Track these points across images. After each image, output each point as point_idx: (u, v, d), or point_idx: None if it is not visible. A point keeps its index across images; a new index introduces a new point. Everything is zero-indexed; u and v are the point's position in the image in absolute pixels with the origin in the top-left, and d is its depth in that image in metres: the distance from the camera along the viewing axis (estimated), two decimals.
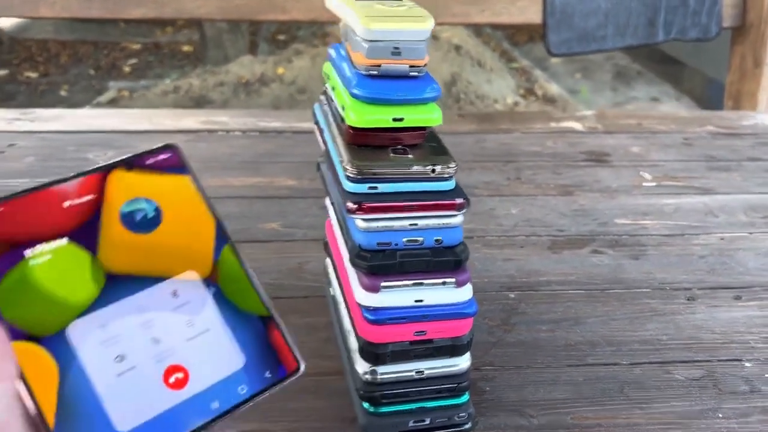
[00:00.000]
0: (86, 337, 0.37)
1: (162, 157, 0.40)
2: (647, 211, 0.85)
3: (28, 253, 0.37)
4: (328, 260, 0.62)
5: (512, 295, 0.67)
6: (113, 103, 3.41)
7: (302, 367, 0.41)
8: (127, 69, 4.29)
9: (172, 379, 0.38)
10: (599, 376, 0.57)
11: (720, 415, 0.53)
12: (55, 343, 0.36)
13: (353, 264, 0.47)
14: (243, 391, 0.39)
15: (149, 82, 3.80)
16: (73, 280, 0.37)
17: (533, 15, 1.53)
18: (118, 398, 0.36)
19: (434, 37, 3.84)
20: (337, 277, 0.57)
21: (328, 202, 0.59)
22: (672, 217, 0.84)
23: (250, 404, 0.39)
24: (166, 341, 0.39)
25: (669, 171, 0.96)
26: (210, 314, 0.40)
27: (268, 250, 0.73)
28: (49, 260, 0.37)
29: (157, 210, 0.40)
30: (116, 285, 0.38)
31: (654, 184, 0.92)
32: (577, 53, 1.61)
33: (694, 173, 0.96)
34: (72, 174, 0.38)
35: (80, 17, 1.57)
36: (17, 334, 0.35)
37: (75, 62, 4.41)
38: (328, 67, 0.55)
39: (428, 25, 0.45)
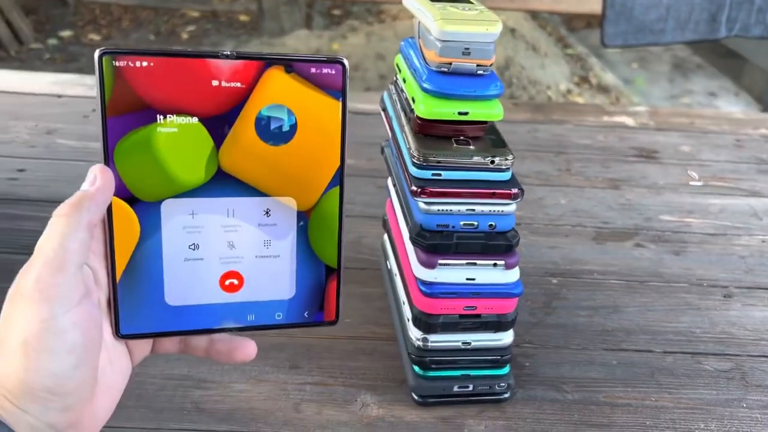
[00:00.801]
0: (174, 217, 0.39)
1: (326, 70, 0.38)
2: (692, 209, 0.88)
3: (159, 118, 0.37)
4: (386, 236, 0.67)
5: (555, 281, 0.72)
6: None
7: (338, 321, 0.43)
8: (185, 36, 4.39)
9: (227, 282, 0.41)
10: (633, 361, 0.61)
11: (744, 405, 0.57)
12: (147, 212, 0.38)
13: (413, 242, 0.52)
14: (279, 317, 0.42)
15: (207, 50, 3.89)
16: (188, 161, 0.38)
17: (594, 5, 1.53)
18: (178, 278, 0.40)
19: None
20: (395, 253, 0.62)
21: (390, 183, 0.65)
22: (717, 216, 0.86)
23: (279, 329, 0.42)
24: (239, 250, 0.41)
25: (717, 171, 0.98)
26: (287, 243, 0.41)
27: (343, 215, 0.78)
28: (175, 134, 0.37)
29: (293, 126, 0.39)
30: (222, 182, 0.39)
31: (701, 183, 0.95)
32: (632, 45, 1.61)
33: (742, 175, 0.98)
34: (233, 52, 0.37)
35: None
36: (120, 190, 0.37)
37: (136, 27, 4.52)
38: (399, 60, 0.59)
39: (497, 28, 0.50)
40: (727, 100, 3.91)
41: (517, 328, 0.57)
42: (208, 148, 0.38)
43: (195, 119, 0.38)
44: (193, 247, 0.40)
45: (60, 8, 4.66)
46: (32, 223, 0.74)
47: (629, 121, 1.14)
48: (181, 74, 0.37)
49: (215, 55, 0.37)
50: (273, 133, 0.39)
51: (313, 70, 0.38)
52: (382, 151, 0.65)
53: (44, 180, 0.83)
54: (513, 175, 0.52)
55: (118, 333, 0.38)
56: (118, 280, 0.38)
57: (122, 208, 0.37)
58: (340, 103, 0.39)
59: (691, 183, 0.95)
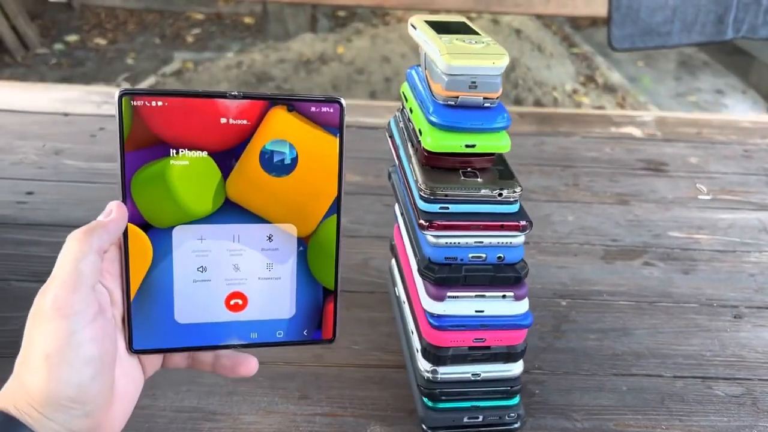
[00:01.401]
0: (184, 242, 0.43)
1: (325, 109, 0.42)
2: (701, 225, 0.87)
3: (172, 153, 0.41)
4: (393, 261, 0.67)
5: (564, 303, 0.71)
6: (178, 74, 3.51)
7: (335, 339, 0.47)
8: (190, 39, 4.40)
9: (232, 302, 0.45)
10: (642, 387, 0.61)
11: None
12: (160, 237, 0.42)
13: (422, 275, 0.52)
14: (280, 335, 0.46)
15: (212, 54, 3.90)
16: (198, 192, 0.42)
17: (599, 7, 1.53)
18: (187, 298, 0.43)
19: (494, 21, 3.82)
20: (403, 280, 0.62)
21: (397, 209, 0.64)
22: (726, 232, 0.86)
23: (280, 347, 0.46)
24: (243, 272, 0.44)
25: (726, 184, 0.98)
26: (288, 267, 0.45)
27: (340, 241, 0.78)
28: (187, 166, 0.41)
29: (294, 159, 0.43)
30: (228, 210, 0.43)
31: (710, 197, 0.94)
32: (639, 48, 1.60)
33: (751, 188, 0.97)
34: (239, 92, 0.41)
35: None
36: (135, 217, 0.41)
37: (141, 30, 4.53)
38: (405, 89, 0.59)
39: (503, 62, 0.49)
40: (734, 98, 3.89)
41: (527, 353, 0.56)
42: (216, 180, 0.42)
43: (205, 153, 0.41)
44: (201, 269, 0.44)
45: (65, 13, 4.68)
46: (41, 249, 0.74)
47: (636, 132, 1.13)
48: (192, 112, 0.41)
49: (224, 95, 0.41)
50: (276, 165, 0.42)
51: (312, 108, 0.42)
52: (389, 177, 0.65)
53: (53, 203, 0.84)
54: (521, 206, 0.52)
55: (131, 348, 0.42)
56: (132, 300, 0.42)
57: (137, 234, 0.41)
58: (338, 139, 0.42)
59: (700, 197, 0.94)
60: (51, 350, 0.34)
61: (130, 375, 0.40)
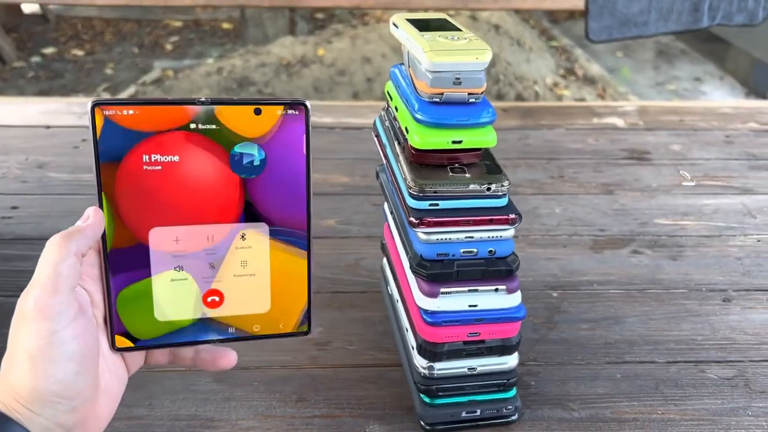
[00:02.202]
0: (161, 243, 0.44)
1: (291, 112, 0.43)
2: (687, 211, 0.88)
3: (145, 158, 0.42)
4: (385, 260, 0.68)
5: (555, 294, 0.72)
6: (158, 82, 3.49)
7: (310, 332, 0.48)
8: (169, 47, 4.37)
9: (209, 299, 0.46)
10: (637, 374, 0.62)
11: (749, 414, 0.58)
12: (138, 238, 0.44)
13: (414, 272, 0.52)
14: (257, 329, 0.47)
15: (192, 61, 3.88)
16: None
17: (576, 0, 1.54)
18: (165, 296, 0.45)
19: (473, 18, 3.83)
20: (395, 278, 0.62)
21: (386, 208, 0.65)
22: (711, 218, 0.87)
23: (258, 340, 0.47)
24: (219, 269, 0.46)
25: (709, 170, 0.99)
26: (262, 264, 0.46)
27: (325, 246, 0.79)
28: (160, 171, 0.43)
29: (263, 161, 0.44)
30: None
31: (693, 183, 0.95)
32: (617, 39, 1.62)
33: (733, 173, 0.98)
34: (206, 99, 0.43)
35: (135, 4, 1.64)
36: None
37: (119, 40, 4.50)
38: (390, 87, 0.59)
39: (487, 57, 0.50)
40: (712, 84, 3.93)
41: (521, 345, 0.57)
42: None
43: (176, 158, 0.43)
44: (178, 269, 0.45)
45: (41, 25, 4.63)
46: (29, 264, 0.73)
47: (619, 122, 1.14)
48: (160, 118, 0.42)
49: (191, 102, 0.42)
50: (245, 166, 0.44)
51: (279, 111, 0.43)
52: (378, 176, 0.65)
53: (38, 216, 0.83)
54: (509, 199, 0.52)
55: (114, 346, 0.44)
56: (113, 300, 0.44)
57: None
58: (304, 138, 0.44)
59: (684, 183, 0.95)
60: (34, 349, 0.36)
61: (113, 371, 0.42)
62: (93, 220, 0.41)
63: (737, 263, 0.78)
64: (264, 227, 0.46)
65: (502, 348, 0.54)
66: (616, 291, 0.73)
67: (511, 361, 0.55)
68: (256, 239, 0.46)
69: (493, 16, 3.90)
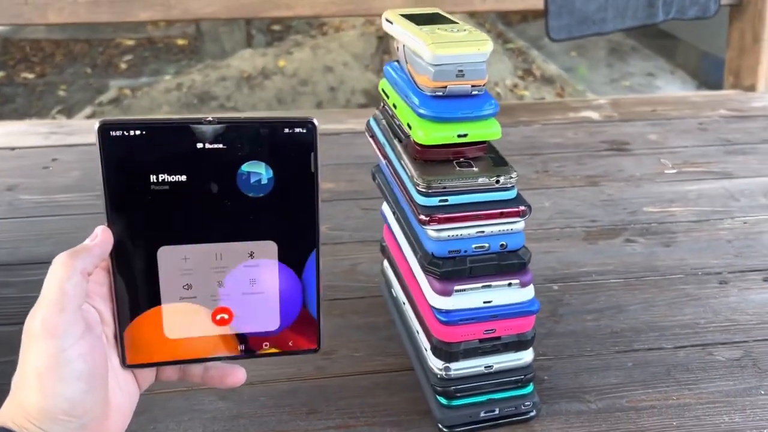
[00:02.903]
0: (169, 261, 0.44)
1: (298, 130, 0.43)
2: (673, 198, 0.89)
3: (152, 178, 0.42)
4: (386, 263, 0.66)
5: (556, 287, 0.71)
6: (116, 102, 3.42)
7: (320, 348, 0.47)
8: (123, 66, 4.28)
9: (218, 317, 0.46)
10: (647, 361, 0.61)
11: (762, 393, 0.58)
12: (146, 257, 0.44)
13: (426, 271, 0.51)
14: (266, 346, 0.47)
15: (149, 78, 3.81)
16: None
17: (535, 1, 1.55)
18: (174, 314, 0.45)
19: None
20: (400, 280, 0.61)
21: (386, 208, 0.63)
22: (697, 203, 0.88)
23: (267, 357, 0.47)
24: (227, 288, 0.46)
25: (688, 157, 1.00)
26: (271, 281, 0.46)
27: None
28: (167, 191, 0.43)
29: (271, 179, 0.44)
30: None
31: (675, 171, 0.96)
32: (576, 37, 1.65)
33: (711, 158, 1.00)
34: (213, 119, 0.43)
35: (88, 22, 1.60)
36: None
37: (70, 61, 4.39)
38: (385, 85, 0.58)
39: (488, 48, 0.49)
40: (664, 78, 4.03)
41: None
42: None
43: (184, 177, 0.43)
44: (186, 287, 0.45)
45: None
46: (9, 290, 0.70)
47: (594, 115, 1.15)
48: (167, 145, 0.42)
49: (198, 122, 0.42)
50: (253, 185, 0.44)
51: (287, 130, 0.43)
52: (374, 177, 0.63)
53: (13, 241, 0.79)
54: (518, 192, 0.51)
55: (125, 363, 0.44)
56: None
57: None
58: (312, 156, 0.43)
59: (666, 171, 0.96)
60: (43, 368, 0.36)
61: (124, 388, 0.42)
62: (101, 238, 0.40)
63: (728, 246, 0.79)
64: (272, 245, 0.45)
65: (518, 343, 0.53)
66: (615, 280, 0.73)
67: (526, 356, 0.54)
68: (264, 257, 0.46)
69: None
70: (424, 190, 0.49)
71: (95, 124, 0.40)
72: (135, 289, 0.44)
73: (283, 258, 0.46)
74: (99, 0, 1.48)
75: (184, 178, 0.43)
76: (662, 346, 0.63)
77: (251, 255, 0.46)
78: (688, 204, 0.88)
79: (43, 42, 4.64)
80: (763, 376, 0.60)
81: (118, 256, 0.43)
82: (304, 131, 0.43)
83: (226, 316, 0.47)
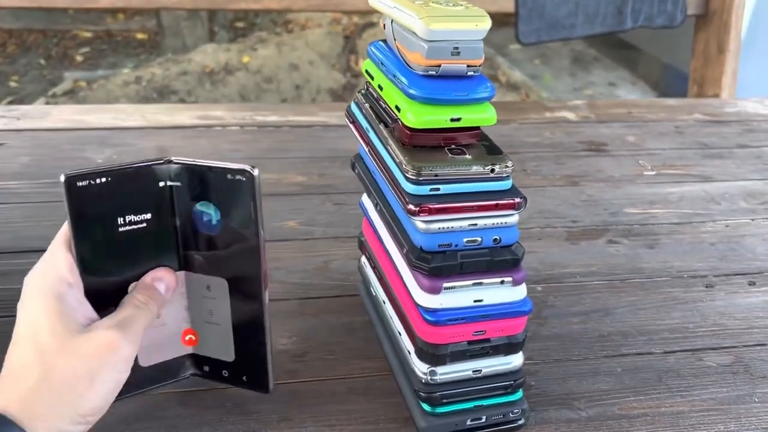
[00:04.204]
0: None
1: (238, 177, 0.44)
2: (653, 199, 0.87)
3: (119, 221, 0.45)
4: (363, 259, 0.62)
5: (539, 288, 0.68)
6: (71, 94, 3.29)
7: (270, 391, 0.50)
8: (79, 58, 4.14)
9: (187, 338, 0.51)
10: (637, 366, 0.58)
11: (756, 400, 0.55)
12: (119, 294, 0.46)
13: (414, 267, 0.46)
14: (225, 374, 0.51)
15: (106, 71, 3.68)
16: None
17: (506, 3, 1.53)
18: (148, 344, 0.48)
19: None
20: (380, 277, 0.56)
21: (366, 200, 0.59)
22: (678, 205, 0.86)
23: (228, 385, 0.51)
24: (192, 312, 0.50)
25: (666, 159, 0.98)
26: (225, 315, 0.49)
27: (291, 249, 0.72)
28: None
29: (219, 221, 0.46)
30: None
31: (654, 173, 0.94)
32: (545, 41, 1.64)
33: (689, 161, 0.98)
34: (170, 158, 0.46)
35: (46, 6, 1.51)
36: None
37: (23, 52, 4.23)
38: (369, 65, 0.54)
39: (487, 24, 0.45)
40: (625, 89, 4.10)
41: None
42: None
43: (149, 215, 0.46)
44: (156, 316, 0.47)
45: None
46: None
47: (570, 115, 1.13)
48: (131, 186, 0.45)
49: (159, 163, 0.45)
50: (205, 224, 0.47)
51: (228, 176, 0.45)
52: (354, 167, 0.59)
53: None
54: (513, 182, 0.48)
55: None
56: None
57: None
58: (252, 204, 0.45)
59: (645, 173, 0.94)
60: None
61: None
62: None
63: (712, 249, 0.77)
64: (224, 282, 0.48)
65: (509, 346, 0.49)
66: (599, 282, 0.70)
67: (516, 360, 0.50)
68: (218, 292, 0.48)
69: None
70: (413, 177, 0.45)
71: (61, 176, 0.41)
72: None
73: (234, 296, 0.48)
74: None
75: (149, 216, 0.46)
76: (651, 351, 0.60)
77: (208, 288, 0.49)
78: (669, 206, 0.86)
79: None
80: (756, 382, 0.57)
81: (90, 296, 0.44)
82: (243, 179, 0.44)
83: (193, 337, 0.51)
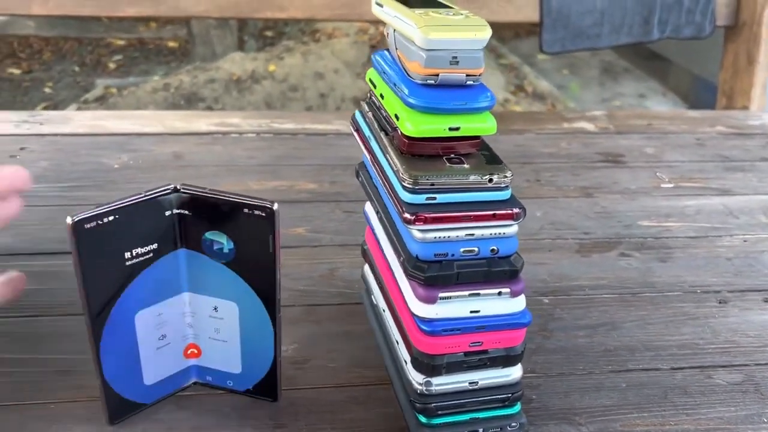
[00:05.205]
0: (146, 322, 0.49)
1: (257, 212, 0.45)
2: (669, 212, 0.85)
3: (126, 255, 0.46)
4: (366, 267, 0.62)
5: (546, 301, 0.67)
6: (101, 100, 3.36)
7: (278, 399, 0.52)
8: (112, 65, 4.23)
9: (189, 351, 0.52)
10: (642, 382, 0.57)
11: (765, 420, 0.54)
12: (126, 321, 0.47)
13: (410, 276, 0.46)
14: (230, 383, 0.52)
15: (137, 78, 3.76)
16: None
17: (530, 13, 1.53)
18: (152, 363, 0.50)
19: None
20: (380, 286, 0.56)
21: (368, 208, 0.59)
22: (694, 219, 0.84)
23: (232, 393, 0.53)
24: (196, 329, 0.51)
25: (685, 172, 0.97)
26: (233, 333, 0.50)
27: (297, 256, 0.72)
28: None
29: (232, 250, 0.47)
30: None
31: (672, 185, 0.93)
32: (570, 51, 1.62)
33: (709, 174, 0.96)
34: (177, 187, 0.46)
35: (73, 15, 1.55)
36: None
37: (58, 59, 4.34)
38: (372, 74, 0.54)
39: (486, 34, 0.45)
40: (655, 100, 4.04)
41: None
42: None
43: (155, 245, 0.47)
44: (162, 337, 0.50)
45: None
46: None
47: (589, 126, 1.12)
48: (140, 217, 0.45)
49: (167, 194, 0.46)
50: (216, 252, 0.48)
51: (246, 210, 0.45)
52: (358, 175, 0.59)
53: None
54: (512, 193, 0.47)
55: (111, 422, 0.49)
56: (105, 376, 0.48)
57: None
58: (271, 238, 0.46)
59: (662, 186, 0.93)
60: None
61: None
62: None
63: (728, 264, 0.75)
64: (233, 306, 0.49)
65: (507, 358, 0.48)
66: (609, 295, 0.69)
67: (515, 372, 0.49)
68: (227, 313, 0.49)
69: None
70: (410, 186, 0.45)
71: (68, 219, 0.42)
72: (117, 351, 0.47)
73: (244, 317, 0.49)
74: None
75: (155, 246, 0.46)
76: (659, 367, 0.59)
77: (215, 309, 0.50)
78: (685, 219, 0.84)
79: (32, 38, 4.58)
80: (766, 402, 0.56)
81: (97, 327, 0.45)
82: (263, 215, 0.45)
83: (195, 351, 0.52)
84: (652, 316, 0.66)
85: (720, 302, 0.68)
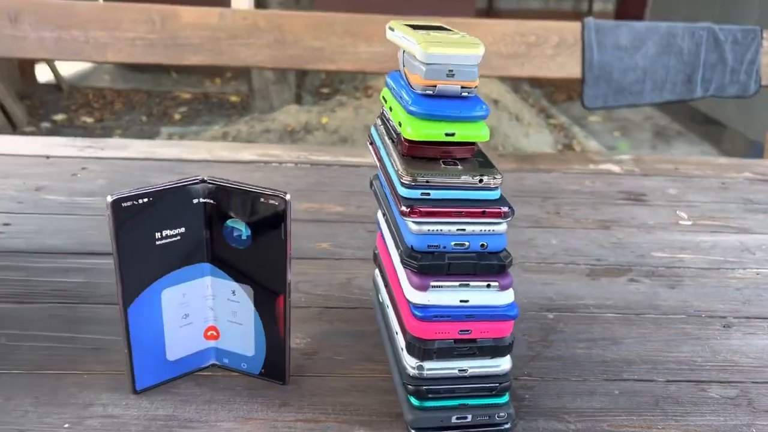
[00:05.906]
0: (172, 301, 0.55)
1: (272, 201, 0.51)
2: (684, 246, 0.87)
3: (157, 235, 0.52)
4: (376, 270, 0.66)
5: (551, 316, 0.70)
6: None
7: (287, 383, 0.57)
8: (177, 116, 4.48)
9: (209, 333, 0.57)
10: (635, 390, 0.59)
11: (754, 430, 0.55)
12: (153, 300, 0.53)
13: (404, 264, 0.51)
14: (244, 366, 0.58)
15: (199, 128, 3.97)
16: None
17: (572, 70, 1.58)
18: (175, 340, 0.55)
19: None
20: (386, 283, 0.61)
21: (380, 215, 0.64)
22: (709, 252, 0.86)
23: (245, 375, 0.58)
24: (216, 311, 0.57)
25: (706, 211, 0.99)
26: (248, 317, 0.56)
27: (319, 266, 0.77)
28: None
29: (249, 237, 0.53)
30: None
31: (690, 222, 0.95)
32: (612, 107, 1.66)
33: (731, 214, 0.98)
34: (205, 178, 0.52)
35: (143, 62, 1.69)
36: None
37: (129, 109, 4.62)
38: (385, 92, 0.60)
39: (479, 50, 0.51)
40: None
41: (515, 361, 0.55)
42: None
43: (183, 229, 0.53)
44: (185, 317, 0.56)
45: (54, 94, 4.76)
46: (19, 273, 0.72)
47: (615, 168, 1.15)
48: (172, 206, 0.52)
49: (194, 183, 0.52)
50: (234, 238, 0.53)
51: (262, 199, 0.51)
52: (371, 185, 0.65)
53: (30, 233, 0.82)
54: (502, 194, 0.52)
55: (135, 390, 0.55)
56: (132, 349, 0.54)
57: None
58: (282, 227, 0.51)
59: (681, 222, 0.95)
60: None
61: None
62: None
63: (737, 293, 0.76)
64: (249, 289, 0.55)
65: (494, 348, 0.52)
66: (613, 315, 0.71)
67: (503, 363, 0.53)
68: (243, 297, 0.55)
69: (492, 92, 4.01)
70: (407, 182, 0.50)
71: (107, 197, 0.48)
72: (144, 327, 0.53)
73: (258, 301, 0.55)
74: (155, 43, 1.58)
75: (183, 229, 0.52)
76: (653, 379, 0.61)
77: (233, 293, 0.55)
78: (699, 252, 0.86)
79: (106, 90, 4.90)
80: (757, 415, 0.57)
81: (128, 298, 0.51)
82: (276, 203, 0.51)
83: (215, 333, 0.57)
84: (653, 335, 0.68)
85: (724, 326, 0.70)
